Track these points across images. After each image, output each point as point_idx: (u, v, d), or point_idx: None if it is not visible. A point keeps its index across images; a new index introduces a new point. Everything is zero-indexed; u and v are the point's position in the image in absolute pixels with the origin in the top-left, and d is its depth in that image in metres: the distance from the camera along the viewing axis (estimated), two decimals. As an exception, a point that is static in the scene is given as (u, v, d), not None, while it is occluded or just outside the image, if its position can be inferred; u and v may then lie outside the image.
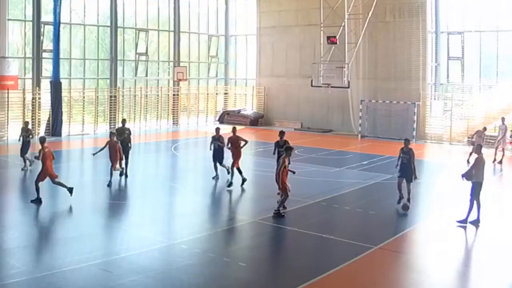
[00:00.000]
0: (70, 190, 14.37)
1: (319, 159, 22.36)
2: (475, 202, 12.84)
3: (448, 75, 30.10)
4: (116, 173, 16.72)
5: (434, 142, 28.73)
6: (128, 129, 18.24)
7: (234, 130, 17.37)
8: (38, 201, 13.78)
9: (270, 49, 35.63)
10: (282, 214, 13.25)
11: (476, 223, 12.88)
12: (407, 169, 14.44)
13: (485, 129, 22.72)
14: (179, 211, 14.75)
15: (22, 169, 18.50)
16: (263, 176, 19.37)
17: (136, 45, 32.30)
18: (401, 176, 14.63)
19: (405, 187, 14.44)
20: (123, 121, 18.96)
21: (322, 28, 29.17)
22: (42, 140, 14.16)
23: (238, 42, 38.32)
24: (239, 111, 36.12)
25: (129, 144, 17.86)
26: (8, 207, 14.16)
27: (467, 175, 12.98)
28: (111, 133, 16.97)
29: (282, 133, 16.29)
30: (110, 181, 16.15)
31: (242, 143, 16.97)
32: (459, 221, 12.90)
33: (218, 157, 17.31)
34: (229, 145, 16.95)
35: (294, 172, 14.27)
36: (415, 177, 14.53)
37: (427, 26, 29.13)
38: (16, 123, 26.57)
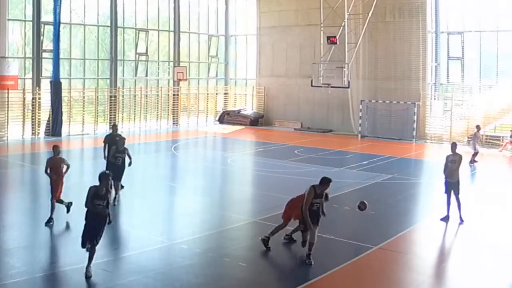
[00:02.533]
0: None
1: (319, 159, 22.36)
2: (449, 199, 13.09)
3: (448, 75, 30.10)
4: None
5: (434, 142, 28.73)
6: (119, 136, 15.33)
7: (55, 149, 12.64)
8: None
9: (270, 49, 35.62)
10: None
11: (446, 219, 13.06)
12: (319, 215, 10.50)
13: (478, 128, 22.82)
14: (179, 211, 14.75)
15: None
16: (263, 176, 19.40)
17: (136, 45, 32.30)
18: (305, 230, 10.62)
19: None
20: (114, 126, 16.53)
21: (322, 28, 29.17)
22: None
23: (238, 42, 38.32)
24: (239, 111, 36.13)
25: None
26: (8, 207, 14.16)
27: (454, 175, 13.07)
28: None
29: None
30: None
31: (65, 168, 12.69)
32: (460, 222, 12.97)
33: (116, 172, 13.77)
34: (48, 171, 12.47)
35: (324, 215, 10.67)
36: (323, 214, 10.58)
37: (427, 26, 29.12)
38: (16, 123, 26.62)
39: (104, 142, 15.79)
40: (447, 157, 13.39)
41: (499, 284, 9.77)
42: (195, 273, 9.75)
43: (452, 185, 13.06)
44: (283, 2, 34.66)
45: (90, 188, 9.34)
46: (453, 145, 13.58)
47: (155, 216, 13.84)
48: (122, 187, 14.74)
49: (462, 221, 12.93)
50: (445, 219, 13.08)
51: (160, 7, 33.47)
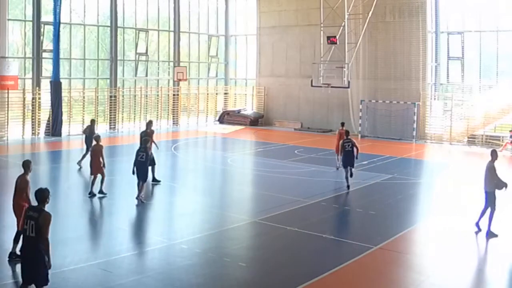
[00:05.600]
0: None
1: (319, 159, 22.36)
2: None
3: (448, 75, 30.09)
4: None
5: (434, 142, 28.73)
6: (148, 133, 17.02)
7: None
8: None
9: (270, 49, 35.63)
10: None
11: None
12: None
13: None
14: (179, 211, 14.75)
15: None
16: (263, 176, 19.39)
17: (136, 45, 32.30)
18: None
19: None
20: (149, 123, 18.04)
21: (322, 28, 29.16)
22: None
23: (238, 42, 38.33)
24: (239, 111, 36.13)
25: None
26: (8, 207, 14.14)
27: (486, 184, 12.37)
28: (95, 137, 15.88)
29: None
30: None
31: None
32: (488, 235, 12.17)
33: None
34: None
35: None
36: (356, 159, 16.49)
37: (427, 26, 29.11)
38: (16, 123, 26.61)
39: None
40: (487, 164, 12.60)
41: (499, 284, 9.78)
42: (195, 273, 9.76)
43: (487, 195, 12.24)
44: (283, 2, 34.67)
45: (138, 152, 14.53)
46: (493, 153, 12.77)
47: (155, 216, 13.84)
48: (158, 181, 15.80)
49: (488, 235, 12.12)
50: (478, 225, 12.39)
51: (160, 7, 33.47)
